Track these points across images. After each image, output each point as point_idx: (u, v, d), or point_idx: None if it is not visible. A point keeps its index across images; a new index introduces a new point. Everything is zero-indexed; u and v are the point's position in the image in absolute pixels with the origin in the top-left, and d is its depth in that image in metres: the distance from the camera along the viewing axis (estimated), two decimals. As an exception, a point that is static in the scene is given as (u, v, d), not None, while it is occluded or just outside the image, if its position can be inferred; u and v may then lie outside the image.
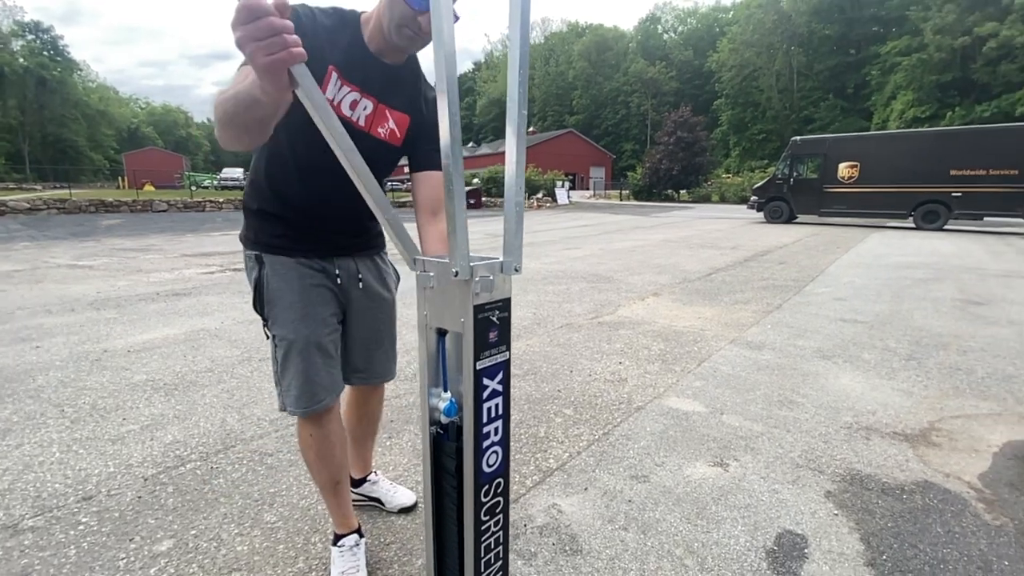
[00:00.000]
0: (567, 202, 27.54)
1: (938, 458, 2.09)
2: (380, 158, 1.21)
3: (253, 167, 1.24)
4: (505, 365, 0.96)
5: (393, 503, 1.67)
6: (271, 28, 0.65)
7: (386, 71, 1.18)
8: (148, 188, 31.04)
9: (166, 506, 1.70)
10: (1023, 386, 2.85)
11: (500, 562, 1.07)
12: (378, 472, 1.75)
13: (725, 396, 2.68)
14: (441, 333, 0.97)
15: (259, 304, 1.24)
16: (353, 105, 1.14)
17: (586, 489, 1.83)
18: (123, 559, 1.45)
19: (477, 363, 0.90)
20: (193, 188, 30.72)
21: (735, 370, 3.08)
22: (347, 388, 1.49)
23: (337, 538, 1.40)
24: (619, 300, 5.00)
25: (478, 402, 0.92)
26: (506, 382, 0.97)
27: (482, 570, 1.03)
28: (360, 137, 1.14)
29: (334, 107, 1.11)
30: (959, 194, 13.36)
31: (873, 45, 44.81)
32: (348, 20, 1.14)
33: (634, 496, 1.79)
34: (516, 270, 0.91)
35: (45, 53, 52.35)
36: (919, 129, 21.73)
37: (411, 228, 1.04)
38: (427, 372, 0.99)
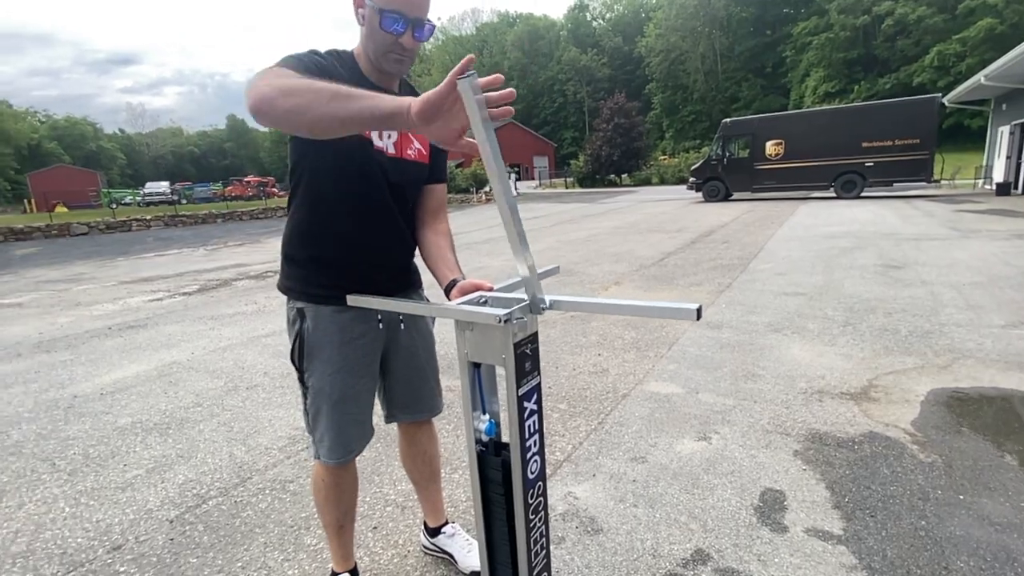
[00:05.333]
0: (516, 194, 27.72)
1: (878, 411, 2.45)
2: (415, 178, 1.30)
3: (297, 214, 1.25)
4: (538, 387, 1.13)
5: (465, 564, 1.56)
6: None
7: None
8: (60, 210, 28.62)
9: (203, 543, 1.76)
10: (939, 340, 3.33)
11: (545, 551, 1.25)
12: (456, 524, 1.67)
13: (697, 376, 2.98)
14: (476, 365, 1.13)
15: (298, 357, 1.27)
16: (381, 135, 1.21)
17: (594, 475, 2.04)
18: (178, 599, 1.52)
19: (519, 390, 1.06)
20: (113, 206, 28.57)
21: (701, 351, 3.39)
22: (397, 429, 1.55)
23: (333, 575, 1.47)
24: (584, 292, 5.27)
25: (521, 422, 1.08)
26: (539, 401, 1.13)
27: (532, 560, 1.20)
28: (395, 163, 1.23)
29: (367, 138, 1.18)
30: (871, 164, 14.70)
31: (786, 26, 47.73)
32: (347, 61, 1.18)
33: (637, 476, 2.02)
34: (542, 310, 1.06)
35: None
36: (834, 106, 23.44)
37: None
38: (469, 399, 1.15)
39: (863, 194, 15.10)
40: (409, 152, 1.27)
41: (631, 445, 2.26)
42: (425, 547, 1.66)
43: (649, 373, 3.07)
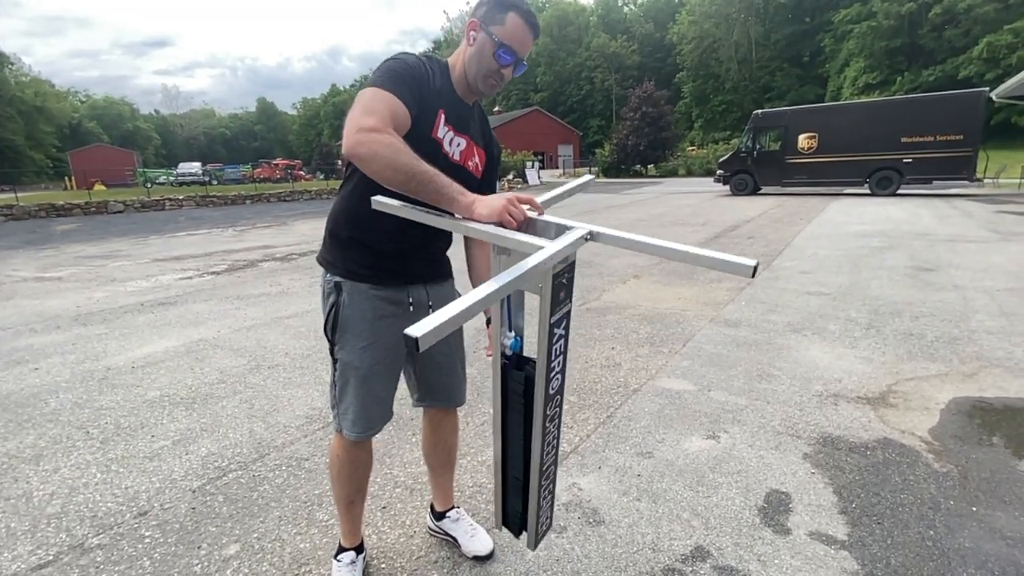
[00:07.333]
0: (538, 182, 27.63)
1: (895, 417, 2.41)
2: (465, 186, 1.38)
3: (349, 198, 1.31)
4: (568, 314, 1.16)
5: (468, 548, 1.61)
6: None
7: (469, 112, 1.36)
8: (99, 188, 29.63)
9: (222, 514, 1.85)
10: (967, 347, 3.22)
11: (554, 450, 1.30)
12: (461, 509, 1.72)
13: (710, 374, 2.96)
14: None
15: (331, 328, 1.32)
16: (451, 143, 1.31)
17: (599, 468, 2.07)
18: (197, 565, 1.61)
19: (551, 317, 1.10)
20: (148, 185, 29.45)
21: (717, 348, 3.36)
22: (422, 415, 1.62)
23: (340, 551, 1.53)
24: (603, 285, 5.25)
25: (550, 345, 1.13)
26: (568, 326, 1.17)
27: (543, 458, 1.26)
28: (456, 169, 1.31)
29: (439, 143, 1.28)
30: (910, 160, 14.12)
31: (826, 13, 45.79)
32: (443, 68, 1.31)
33: (642, 471, 2.04)
34: (585, 240, 1.07)
35: (-32, 46, 48.60)
36: (872, 99, 22.52)
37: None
38: (497, 318, 1.22)
39: (899, 191, 14.55)
40: (470, 163, 1.37)
41: (638, 440, 2.27)
42: (431, 529, 1.72)
43: (662, 369, 3.06)
